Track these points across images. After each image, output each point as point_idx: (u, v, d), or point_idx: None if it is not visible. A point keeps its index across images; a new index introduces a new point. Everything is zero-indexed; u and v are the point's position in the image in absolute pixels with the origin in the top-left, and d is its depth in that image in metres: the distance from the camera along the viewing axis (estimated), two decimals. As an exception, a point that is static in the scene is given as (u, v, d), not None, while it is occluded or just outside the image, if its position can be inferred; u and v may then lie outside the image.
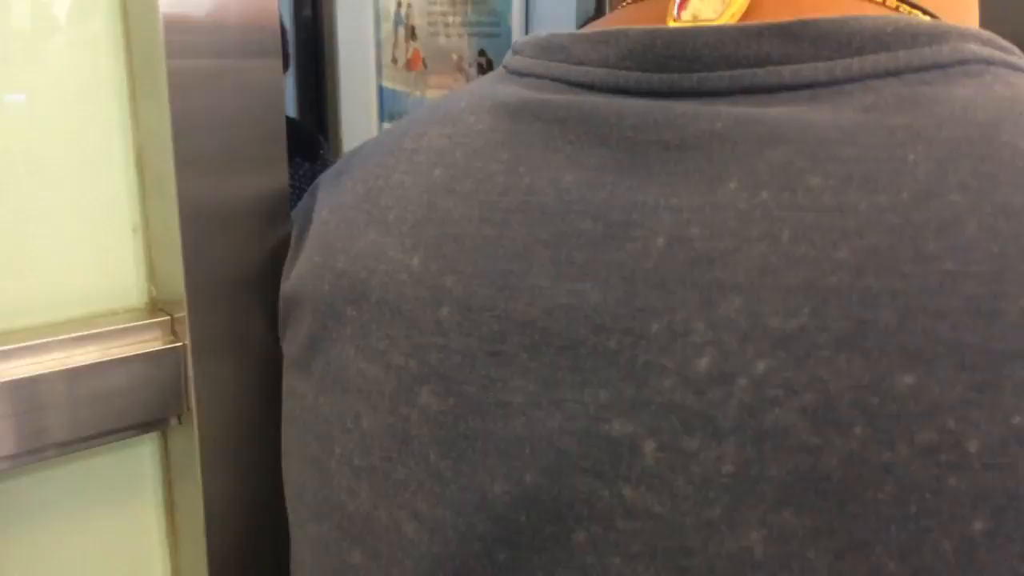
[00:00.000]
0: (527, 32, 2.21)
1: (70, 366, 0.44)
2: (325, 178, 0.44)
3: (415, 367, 0.34)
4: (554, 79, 0.34)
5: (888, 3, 0.32)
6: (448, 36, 2.37)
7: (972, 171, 0.26)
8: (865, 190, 0.26)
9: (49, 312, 0.45)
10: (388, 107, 2.43)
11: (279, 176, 0.46)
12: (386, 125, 2.42)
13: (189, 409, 0.46)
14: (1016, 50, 0.31)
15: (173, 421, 0.48)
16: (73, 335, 0.44)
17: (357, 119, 2.49)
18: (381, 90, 2.45)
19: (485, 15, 2.26)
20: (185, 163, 0.43)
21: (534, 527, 0.30)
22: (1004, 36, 0.31)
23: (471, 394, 0.31)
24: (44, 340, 0.43)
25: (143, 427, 0.47)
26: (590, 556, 0.29)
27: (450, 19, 2.35)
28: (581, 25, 1.92)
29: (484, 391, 0.31)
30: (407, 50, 2.40)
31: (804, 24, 0.29)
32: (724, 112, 0.29)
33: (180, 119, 0.42)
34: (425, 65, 2.38)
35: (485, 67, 2.30)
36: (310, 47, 2.76)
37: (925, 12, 0.32)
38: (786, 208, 0.27)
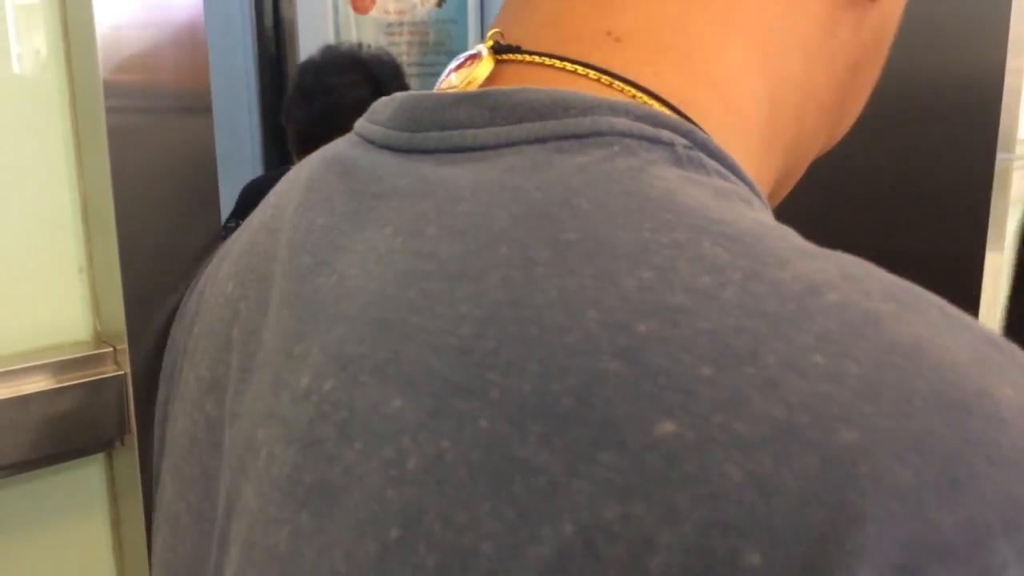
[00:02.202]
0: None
1: (24, 393, 0.49)
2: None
3: (208, 378, 0.39)
4: (359, 134, 0.39)
5: (601, 80, 0.34)
6: (409, 76, 2.44)
7: (531, 228, 0.28)
8: (456, 240, 0.30)
9: (6, 345, 0.50)
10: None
11: (211, 220, 0.52)
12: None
13: (131, 432, 0.51)
14: (688, 131, 0.32)
15: (117, 443, 0.52)
16: (26, 365, 0.49)
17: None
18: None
19: (444, 55, 2.33)
20: (125, 210, 0.48)
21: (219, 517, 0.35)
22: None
23: (229, 405, 0.37)
24: (11, 368, 0.48)
25: (90, 449, 0.52)
26: (229, 547, 0.33)
27: (404, 59, 2.41)
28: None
29: (234, 402, 0.36)
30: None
31: (487, 94, 0.33)
32: (413, 168, 0.34)
33: (119, 170, 0.48)
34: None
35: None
36: (275, 81, 2.82)
37: (637, 86, 0.34)
38: (406, 252, 0.31)
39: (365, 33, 2.49)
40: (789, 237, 0.28)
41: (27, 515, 0.53)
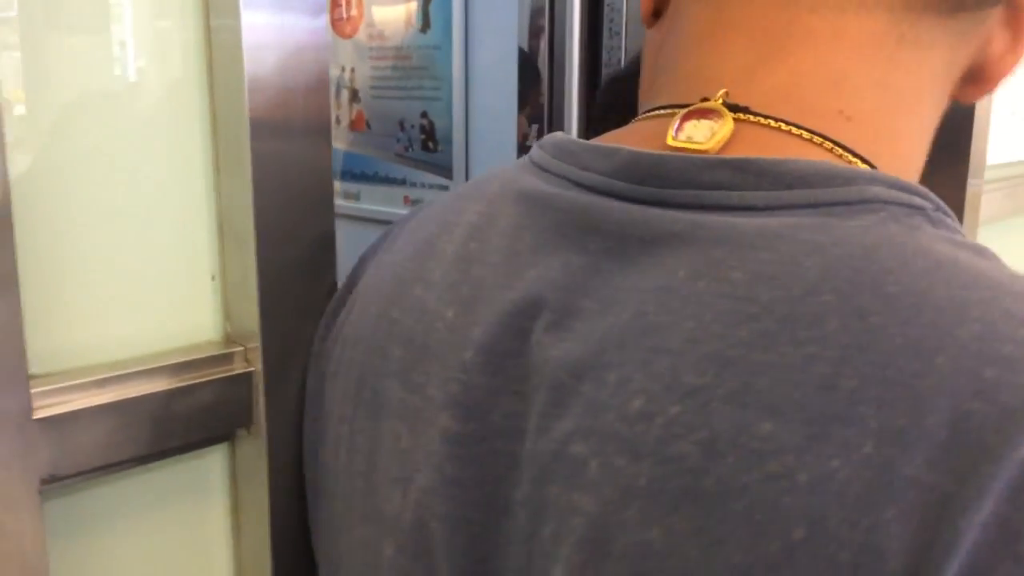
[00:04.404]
0: (466, 95, 2.35)
1: (160, 389, 0.55)
2: (374, 246, 0.56)
3: (441, 397, 0.43)
4: (565, 177, 0.43)
5: (833, 151, 0.40)
6: (391, 99, 2.50)
7: (847, 279, 0.33)
8: (769, 285, 0.34)
9: (147, 345, 0.56)
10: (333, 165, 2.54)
11: (329, 234, 0.59)
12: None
13: (256, 424, 0.58)
14: (925, 194, 0.38)
15: (241, 432, 0.59)
16: (161, 364, 0.56)
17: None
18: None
19: (428, 79, 2.40)
20: (263, 226, 0.55)
21: (521, 521, 0.39)
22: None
23: (494, 421, 0.41)
24: (151, 366, 0.54)
25: (217, 438, 0.59)
26: (548, 545, 0.37)
27: (393, 83, 2.48)
28: (522, 101, 2.08)
29: (505, 419, 0.40)
30: (351, 111, 2.52)
31: (751, 161, 0.38)
32: (684, 218, 0.38)
33: (259, 189, 0.54)
34: (369, 126, 2.50)
35: (428, 128, 2.43)
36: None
37: (860, 157, 0.40)
38: (714, 295, 0.35)
39: (347, 57, 2.55)
40: None
41: (150, 500, 0.59)
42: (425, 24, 2.42)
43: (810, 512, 0.30)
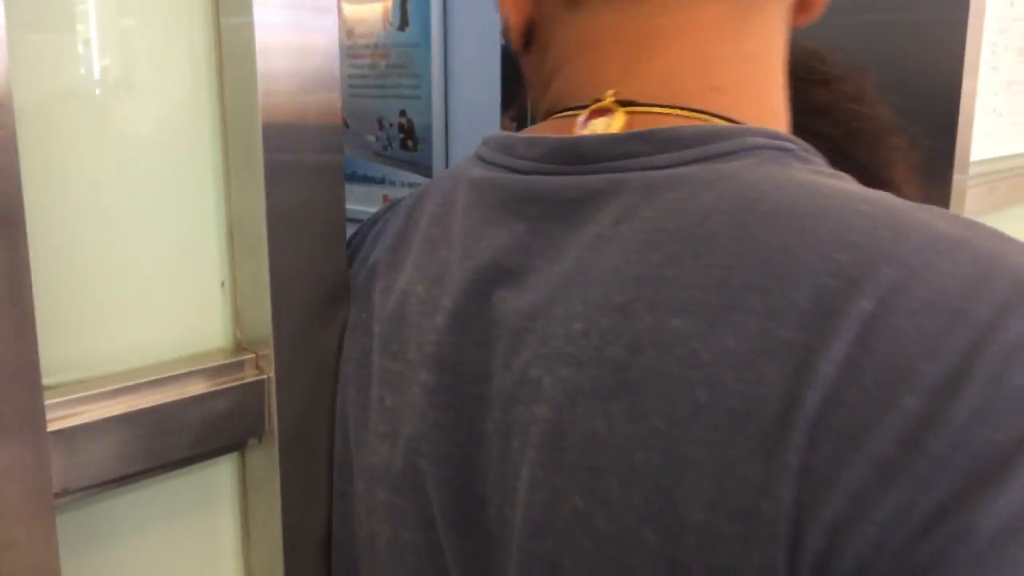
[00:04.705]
0: (446, 93, 2.34)
1: (168, 400, 0.54)
2: (364, 231, 0.61)
3: (418, 358, 0.50)
4: (504, 166, 0.52)
5: (703, 118, 0.48)
6: (369, 97, 2.48)
7: (733, 204, 0.41)
8: (673, 217, 0.42)
9: (157, 354, 0.55)
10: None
11: (340, 237, 0.58)
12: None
13: (269, 431, 0.57)
14: (793, 140, 0.47)
15: (252, 442, 0.58)
16: (170, 374, 0.54)
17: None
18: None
19: (406, 77, 2.39)
20: (275, 234, 0.54)
21: (495, 446, 0.46)
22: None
23: (465, 370, 0.48)
24: (162, 375, 0.53)
25: (229, 448, 0.57)
26: (516, 455, 0.45)
27: (370, 81, 2.46)
28: (507, 100, 2.08)
29: (474, 366, 0.48)
30: (328, 110, 2.50)
31: (652, 132, 0.46)
32: (604, 178, 0.46)
33: (271, 197, 0.53)
34: (347, 125, 2.49)
35: (406, 126, 2.42)
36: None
37: (728, 119, 0.48)
38: (633, 231, 0.43)
39: (323, 55, 2.52)
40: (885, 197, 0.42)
41: (160, 511, 0.57)
42: (403, 22, 2.41)
43: (710, 379, 0.38)
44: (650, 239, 0.42)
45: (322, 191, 0.56)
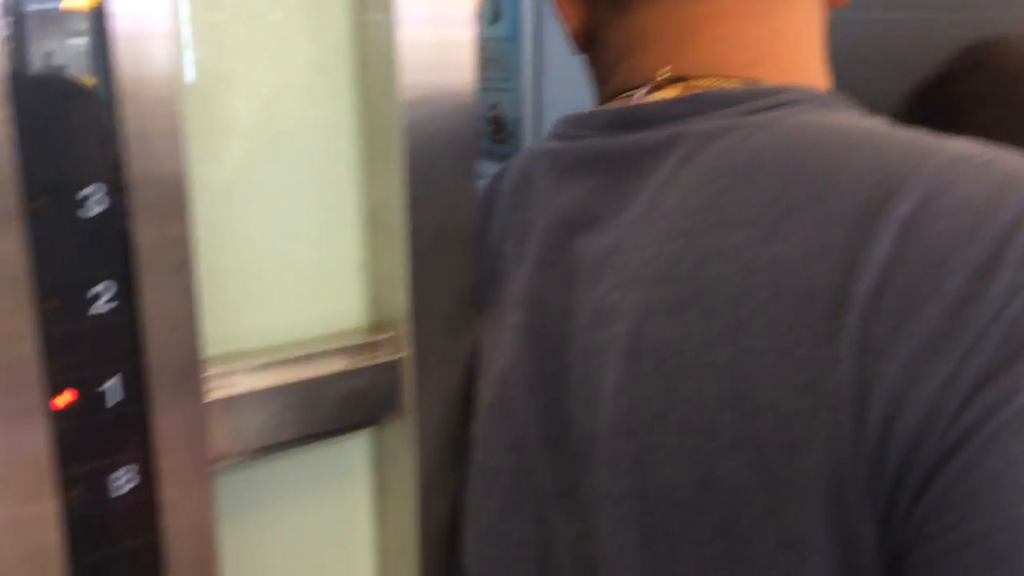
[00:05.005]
0: (537, 87, 2.36)
1: (324, 373, 0.57)
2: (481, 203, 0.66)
3: (510, 301, 0.58)
4: (574, 136, 0.59)
5: (746, 82, 0.54)
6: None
7: (780, 143, 0.47)
8: (728, 157, 0.48)
9: (301, 331, 0.58)
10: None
11: (471, 225, 0.60)
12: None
13: (405, 409, 0.59)
14: (834, 94, 0.54)
15: (388, 417, 0.60)
16: (312, 351, 0.57)
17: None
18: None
19: (498, 71, 2.40)
20: (412, 219, 0.56)
21: (579, 368, 0.52)
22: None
23: (549, 309, 0.55)
24: (307, 351, 0.56)
25: (366, 422, 0.60)
26: (599, 372, 0.50)
27: (463, 75, 2.47)
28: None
29: (558, 304, 0.54)
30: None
31: (704, 93, 0.53)
32: (665, 132, 0.53)
33: (411, 187, 0.56)
34: (438, 118, 2.51)
35: (497, 120, 2.44)
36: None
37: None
38: (692, 172, 0.50)
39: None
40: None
41: (296, 483, 0.61)
42: (495, 15, 2.42)
43: (770, 279, 0.43)
44: (709, 175, 0.48)
45: (456, 178, 0.58)
